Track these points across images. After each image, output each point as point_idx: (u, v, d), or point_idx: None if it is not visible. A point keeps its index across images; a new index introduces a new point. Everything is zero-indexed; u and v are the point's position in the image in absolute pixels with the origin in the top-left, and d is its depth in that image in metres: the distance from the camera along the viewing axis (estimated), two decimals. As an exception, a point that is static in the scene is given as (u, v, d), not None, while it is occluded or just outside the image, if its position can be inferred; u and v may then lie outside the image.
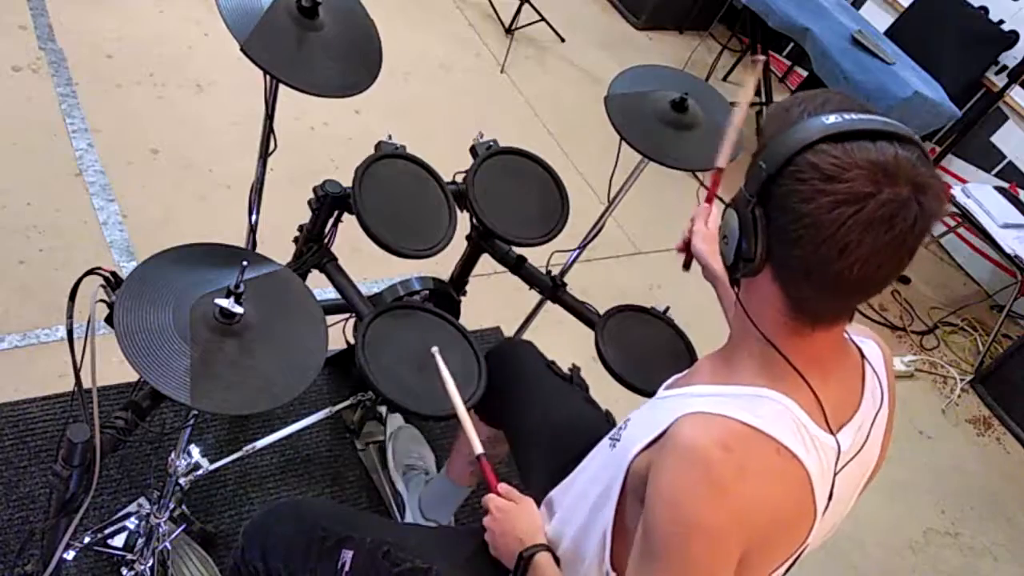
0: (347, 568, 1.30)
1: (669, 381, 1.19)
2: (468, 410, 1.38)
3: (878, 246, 0.87)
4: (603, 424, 1.58)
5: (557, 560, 1.20)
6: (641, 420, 1.10)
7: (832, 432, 0.98)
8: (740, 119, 1.34)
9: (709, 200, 1.42)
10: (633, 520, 1.01)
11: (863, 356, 1.08)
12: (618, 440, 1.11)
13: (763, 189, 0.91)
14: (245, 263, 1.17)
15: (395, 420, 2.17)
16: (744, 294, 1.01)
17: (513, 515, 1.26)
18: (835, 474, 0.99)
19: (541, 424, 1.57)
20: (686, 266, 1.41)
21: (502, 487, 1.31)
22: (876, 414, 1.07)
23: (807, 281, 0.93)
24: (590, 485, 1.15)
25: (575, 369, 1.70)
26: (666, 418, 0.99)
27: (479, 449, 1.31)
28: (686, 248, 1.39)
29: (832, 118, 0.89)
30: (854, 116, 0.89)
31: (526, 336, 2.13)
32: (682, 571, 0.93)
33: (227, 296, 1.16)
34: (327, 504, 1.51)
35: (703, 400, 0.98)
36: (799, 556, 1.05)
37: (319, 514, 1.38)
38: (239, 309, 1.16)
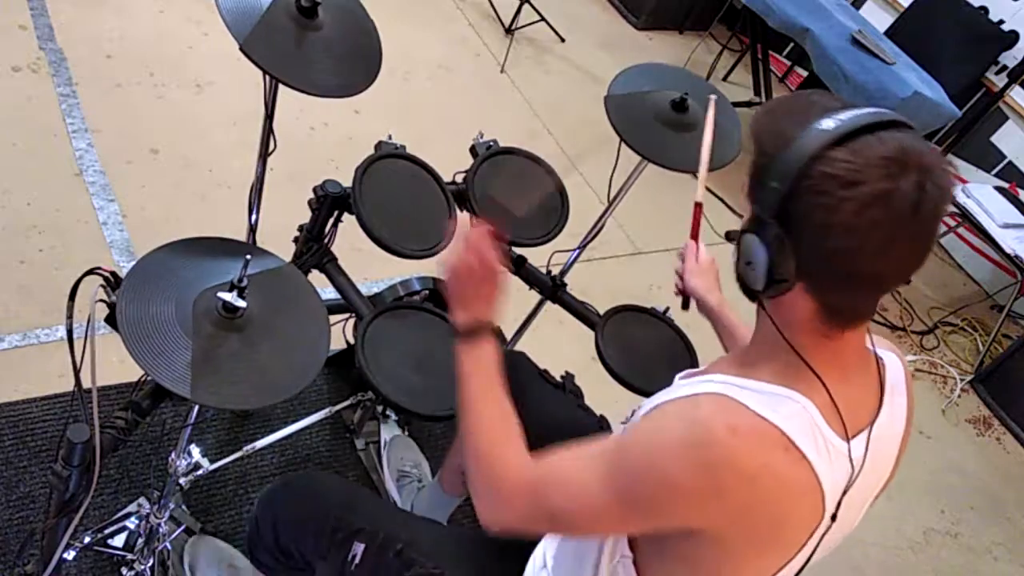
0: (357, 560, 1.30)
1: (683, 373, 1.18)
2: None
3: (909, 236, 0.88)
4: (597, 430, 1.57)
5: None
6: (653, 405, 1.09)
7: (847, 438, 0.98)
8: (707, 155, 1.47)
9: (694, 236, 1.44)
10: None
11: (879, 367, 1.07)
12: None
13: (781, 209, 0.90)
14: (248, 257, 1.16)
15: (389, 429, 2.16)
16: (772, 308, 1.00)
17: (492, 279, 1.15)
18: (849, 481, 0.99)
19: (534, 430, 1.56)
20: (685, 305, 1.46)
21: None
22: (894, 429, 1.07)
23: (847, 288, 0.93)
24: None
25: (568, 377, 1.70)
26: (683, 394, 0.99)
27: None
28: (682, 289, 1.43)
29: (827, 122, 0.89)
30: (846, 115, 0.89)
31: (526, 336, 2.13)
32: (626, 499, 0.96)
33: (230, 290, 1.16)
34: (342, 487, 1.48)
35: (727, 387, 0.97)
36: (805, 563, 1.04)
37: (333, 501, 1.36)
38: (242, 303, 1.16)
